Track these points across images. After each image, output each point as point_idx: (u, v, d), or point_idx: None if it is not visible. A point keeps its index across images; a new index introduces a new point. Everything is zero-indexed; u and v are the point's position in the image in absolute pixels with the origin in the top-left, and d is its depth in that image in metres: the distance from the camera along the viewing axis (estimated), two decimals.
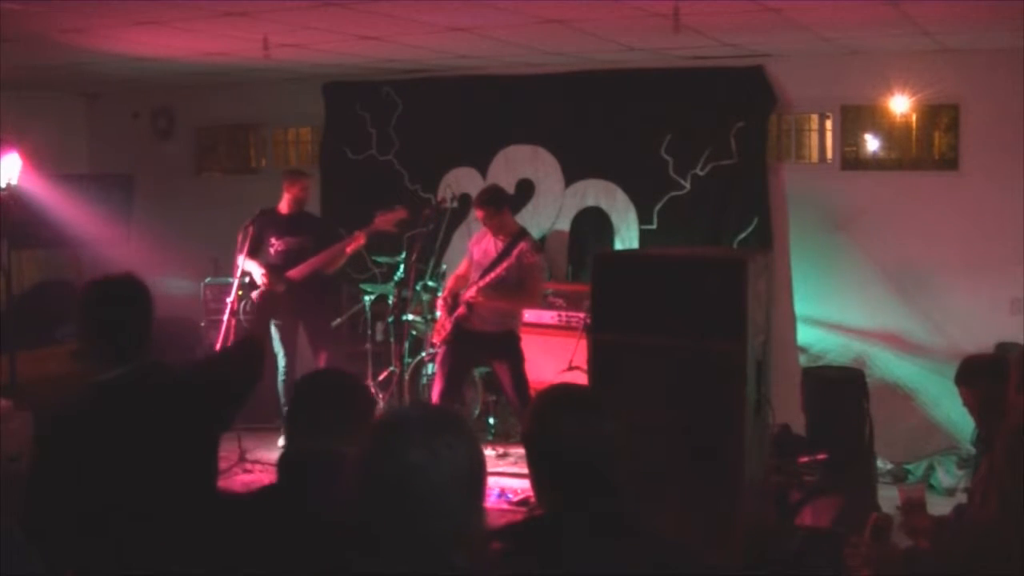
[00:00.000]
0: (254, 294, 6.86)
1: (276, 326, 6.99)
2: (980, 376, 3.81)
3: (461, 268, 6.49)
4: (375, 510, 1.63)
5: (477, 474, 1.71)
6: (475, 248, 6.34)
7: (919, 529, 3.61)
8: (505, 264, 6.01)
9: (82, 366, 2.81)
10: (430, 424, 1.68)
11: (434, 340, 6.55)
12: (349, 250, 6.87)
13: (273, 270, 6.85)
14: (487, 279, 6.06)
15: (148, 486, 2.59)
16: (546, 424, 2.12)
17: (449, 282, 6.54)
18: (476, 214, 6.26)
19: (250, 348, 3.14)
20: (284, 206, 7.01)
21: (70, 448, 2.62)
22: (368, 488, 1.63)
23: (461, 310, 6.17)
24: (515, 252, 5.99)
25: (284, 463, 2.40)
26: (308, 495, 2.25)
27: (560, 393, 2.24)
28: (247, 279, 6.84)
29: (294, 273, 6.85)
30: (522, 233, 6.24)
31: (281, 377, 7.08)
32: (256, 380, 3.06)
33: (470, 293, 6.11)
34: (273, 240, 6.92)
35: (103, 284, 2.86)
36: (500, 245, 6.14)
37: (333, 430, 2.33)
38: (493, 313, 6.15)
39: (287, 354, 7.06)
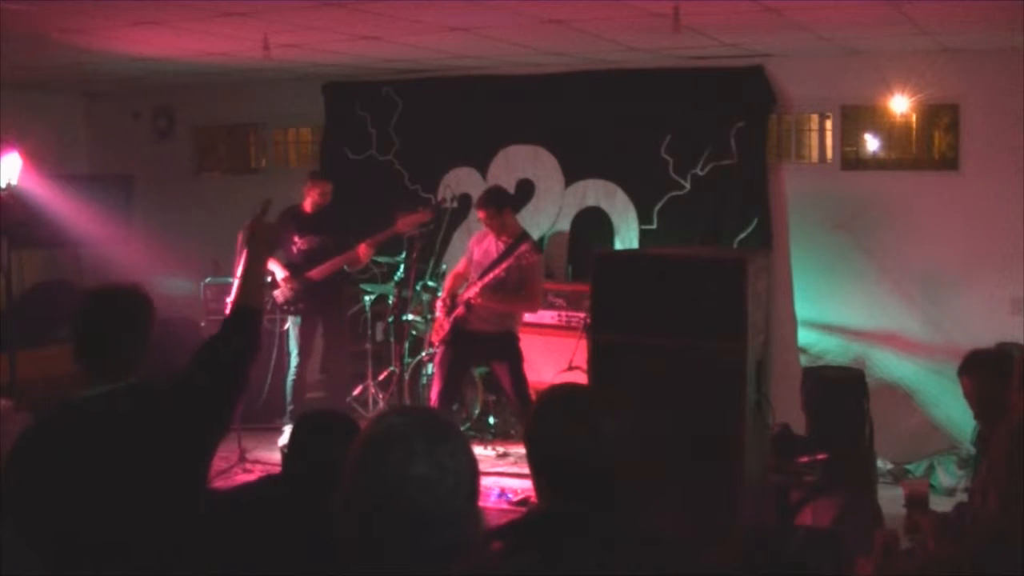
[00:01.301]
0: (276, 293, 6.89)
1: (295, 324, 7.01)
2: (982, 367, 3.82)
3: (459, 267, 6.50)
4: (377, 523, 1.60)
5: (475, 480, 1.70)
6: (476, 248, 6.34)
7: (922, 526, 3.61)
8: (505, 264, 6.02)
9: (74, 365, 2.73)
10: (430, 434, 1.65)
11: (433, 340, 6.55)
12: (369, 248, 6.90)
13: (294, 270, 6.89)
14: (487, 279, 6.06)
15: (118, 509, 2.50)
16: (546, 423, 2.12)
17: (448, 281, 6.54)
18: (478, 215, 6.26)
19: (244, 317, 2.81)
20: (307, 205, 7.08)
21: (32, 466, 2.54)
22: (368, 501, 1.60)
23: (460, 310, 6.17)
24: (516, 253, 6.00)
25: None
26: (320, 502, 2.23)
27: (561, 393, 2.24)
28: (268, 278, 6.90)
29: (314, 273, 6.89)
30: (524, 235, 6.24)
31: (291, 376, 7.09)
32: (255, 350, 2.82)
33: (469, 293, 6.12)
34: (295, 238, 6.99)
35: (94, 296, 2.71)
36: (501, 246, 6.15)
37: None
38: (492, 313, 6.15)
39: (301, 352, 7.07)
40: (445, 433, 1.68)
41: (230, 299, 2.84)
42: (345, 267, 7.11)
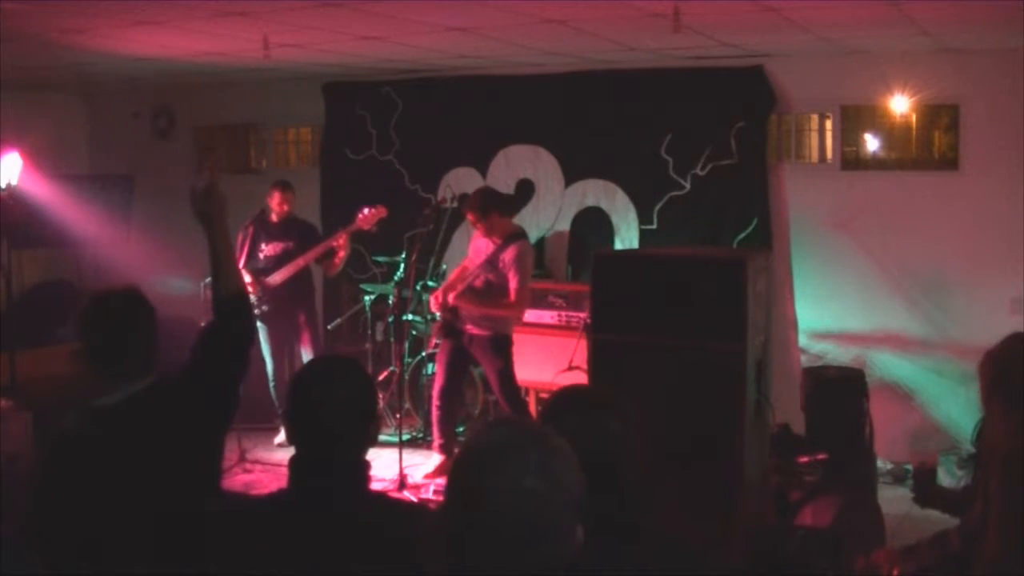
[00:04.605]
0: None
1: (263, 330, 7.03)
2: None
3: (466, 260, 6.51)
4: (480, 534, 1.55)
5: (581, 498, 1.65)
6: (472, 245, 6.38)
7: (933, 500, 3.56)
8: (485, 269, 6.05)
9: (81, 367, 2.76)
10: (544, 448, 1.61)
11: (433, 336, 6.59)
12: (339, 252, 6.90)
13: (258, 275, 6.92)
14: (466, 284, 6.10)
15: (146, 511, 2.54)
16: (554, 425, 2.13)
17: (452, 275, 6.55)
18: (467, 216, 6.29)
19: (232, 304, 2.84)
20: (273, 215, 7.11)
21: (67, 476, 2.58)
22: (475, 512, 1.56)
23: (446, 314, 6.22)
24: (501, 256, 6.03)
25: (295, 466, 2.29)
26: (332, 496, 2.22)
27: (569, 394, 2.25)
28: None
29: (272, 279, 6.92)
30: (513, 236, 6.18)
31: (271, 382, 7.13)
32: (251, 333, 2.89)
33: (451, 296, 6.14)
34: (262, 245, 7.02)
35: (96, 302, 2.75)
36: (492, 247, 6.15)
37: (341, 426, 2.28)
38: (478, 316, 6.16)
39: (273, 355, 7.10)
40: (558, 447, 1.64)
41: (210, 288, 2.85)
42: (322, 269, 7.12)
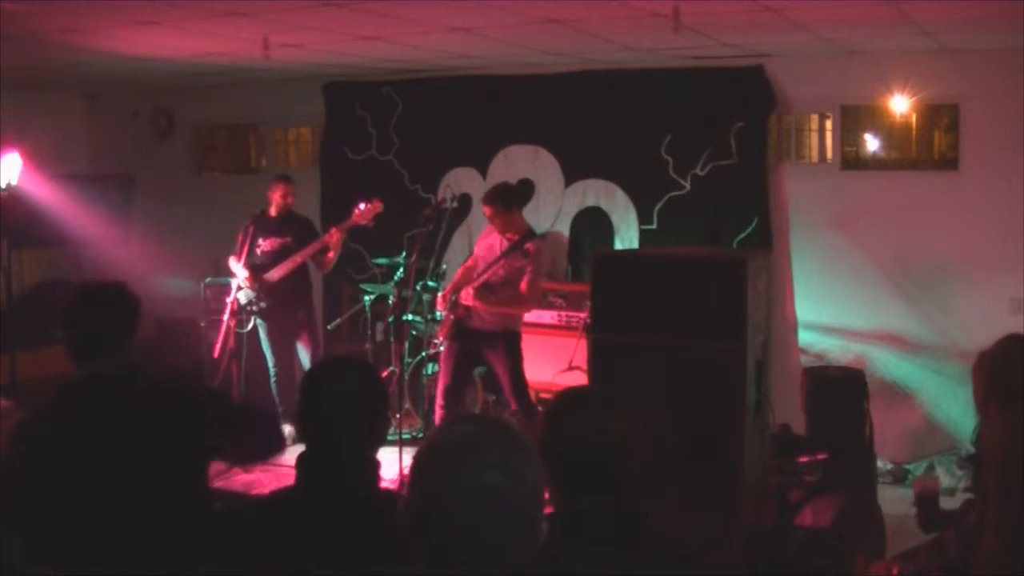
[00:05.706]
0: (239, 295, 6.91)
1: (262, 326, 7.02)
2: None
3: (470, 260, 6.49)
4: (445, 531, 1.56)
5: (543, 491, 1.66)
6: (482, 242, 6.33)
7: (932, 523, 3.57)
8: (503, 263, 6.00)
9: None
10: (505, 444, 1.61)
11: (440, 335, 6.57)
12: (331, 250, 6.91)
13: (256, 271, 6.92)
14: (482, 279, 6.05)
15: (115, 491, 2.54)
16: (553, 425, 2.15)
17: (457, 273, 6.53)
18: (484, 210, 6.24)
19: (265, 425, 3.01)
20: (272, 209, 7.10)
21: (27, 448, 2.61)
22: (438, 509, 1.57)
23: (459, 311, 6.16)
24: (524, 248, 5.98)
25: (304, 464, 2.31)
26: (341, 494, 2.21)
27: (571, 395, 2.27)
28: (233, 280, 6.95)
29: (271, 275, 6.92)
30: (529, 234, 6.18)
31: (272, 379, 7.12)
32: (276, 451, 2.95)
33: (466, 295, 6.09)
34: (260, 241, 7.03)
35: (76, 290, 2.87)
36: (505, 244, 6.12)
37: (348, 425, 2.28)
38: (491, 313, 6.13)
39: (274, 353, 7.09)
40: (519, 443, 1.65)
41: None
42: (315, 265, 7.14)
